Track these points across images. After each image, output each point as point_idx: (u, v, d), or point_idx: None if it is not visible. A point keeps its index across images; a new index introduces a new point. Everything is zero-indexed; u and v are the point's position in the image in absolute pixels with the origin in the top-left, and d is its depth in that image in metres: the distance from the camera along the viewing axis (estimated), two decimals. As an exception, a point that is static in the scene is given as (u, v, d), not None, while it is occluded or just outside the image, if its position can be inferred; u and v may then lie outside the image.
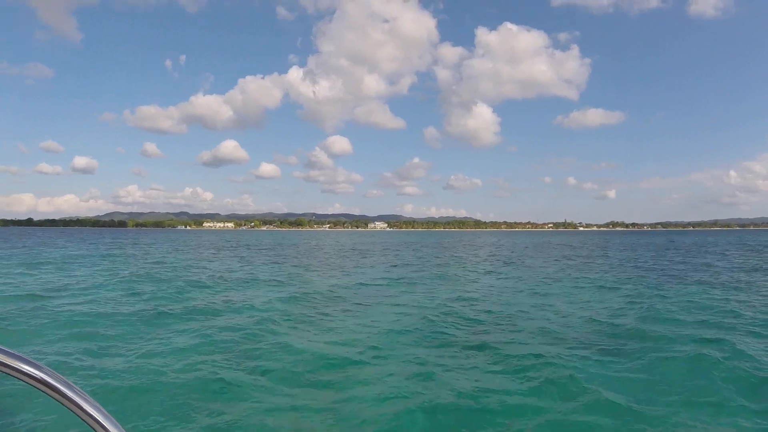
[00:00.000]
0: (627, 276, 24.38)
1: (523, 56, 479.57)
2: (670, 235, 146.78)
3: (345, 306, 15.01)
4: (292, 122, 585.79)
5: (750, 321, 12.21)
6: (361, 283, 20.77)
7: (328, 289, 18.14)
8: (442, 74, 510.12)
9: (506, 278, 23.70)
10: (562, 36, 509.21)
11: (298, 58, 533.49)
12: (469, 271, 28.04)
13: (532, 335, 11.02)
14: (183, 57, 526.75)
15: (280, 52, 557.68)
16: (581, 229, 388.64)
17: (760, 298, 16.13)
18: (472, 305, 15.06)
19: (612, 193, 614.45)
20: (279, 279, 22.38)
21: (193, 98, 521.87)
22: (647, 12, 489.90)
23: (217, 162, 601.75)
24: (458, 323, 12.33)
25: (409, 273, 26.07)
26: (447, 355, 9.35)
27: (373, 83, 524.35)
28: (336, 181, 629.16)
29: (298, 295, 16.74)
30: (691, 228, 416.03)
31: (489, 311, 14.07)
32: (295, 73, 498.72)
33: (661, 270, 27.60)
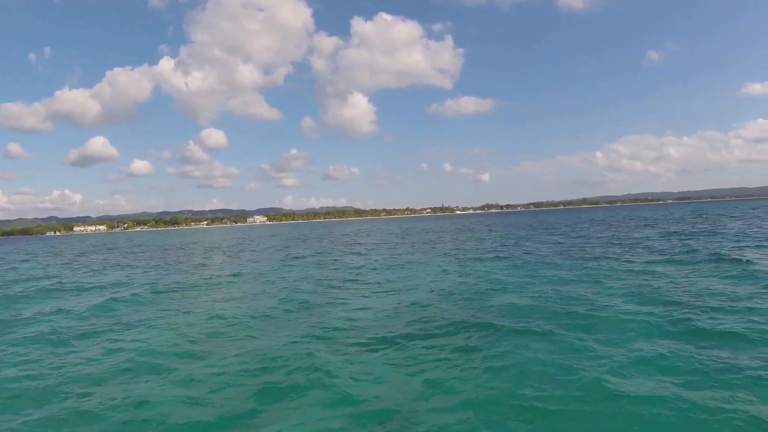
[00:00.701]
0: (456, 258, 26.69)
1: (398, 46, 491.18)
2: (540, 215, 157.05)
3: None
4: (165, 116, 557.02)
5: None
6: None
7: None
8: (318, 64, 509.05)
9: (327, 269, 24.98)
10: (437, 26, 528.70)
11: (170, 48, 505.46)
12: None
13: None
14: (48, 50, 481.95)
15: (150, 43, 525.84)
16: (458, 212, 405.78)
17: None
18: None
19: (486, 177, 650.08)
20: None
21: (58, 93, 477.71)
22: (519, 4, 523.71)
23: (86, 161, 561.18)
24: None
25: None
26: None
27: (247, 74, 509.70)
28: (212, 175, 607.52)
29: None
30: (562, 207, 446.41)
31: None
32: (166, 64, 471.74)
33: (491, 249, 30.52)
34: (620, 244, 29.67)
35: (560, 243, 33.02)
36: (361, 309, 13.91)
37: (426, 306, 13.68)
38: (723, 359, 8.02)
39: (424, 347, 9.68)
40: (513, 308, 12.78)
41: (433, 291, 16.04)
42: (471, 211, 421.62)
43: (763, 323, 9.92)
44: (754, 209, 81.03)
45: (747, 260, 17.89)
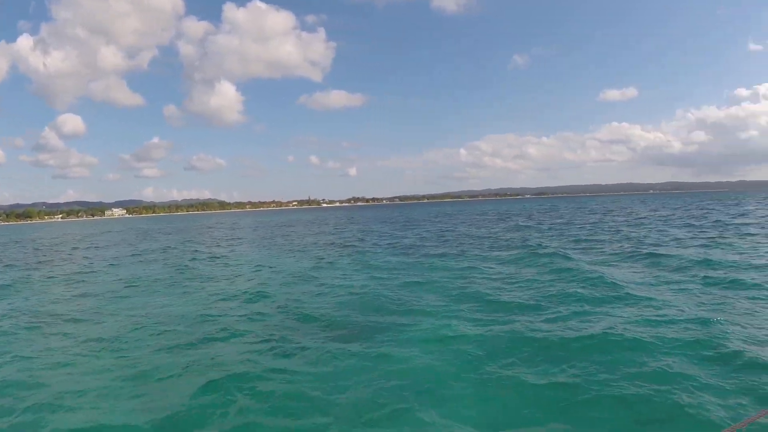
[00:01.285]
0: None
1: (270, 35, 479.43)
2: (404, 208, 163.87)
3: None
4: (21, 99, 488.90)
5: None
6: None
7: None
8: (186, 49, 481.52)
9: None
10: (310, 18, 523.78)
11: (30, 24, 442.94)
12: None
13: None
14: None
15: (9, 18, 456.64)
16: (325, 205, 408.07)
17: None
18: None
19: (354, 171, 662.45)
20: None
21: None
22: (394, 2, 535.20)
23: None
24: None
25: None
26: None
27: (110, 56, 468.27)
28: (69, 165, 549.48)
29: None
30: (426, 200, 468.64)
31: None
32: (25, 42, 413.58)
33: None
34: (469, 237, 30.79)
35: (406, 237, 34.00)
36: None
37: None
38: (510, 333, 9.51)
39: (234, 352, 9.39)
40: (319, 308, 12.70)
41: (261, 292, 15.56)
42: (338, 204, 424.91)
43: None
44: (609, 203, 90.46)
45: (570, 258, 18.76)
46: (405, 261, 21.03)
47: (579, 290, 12.84)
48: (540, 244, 23.64)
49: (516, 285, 14.39)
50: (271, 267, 21.17)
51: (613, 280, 13.73)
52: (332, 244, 31.89)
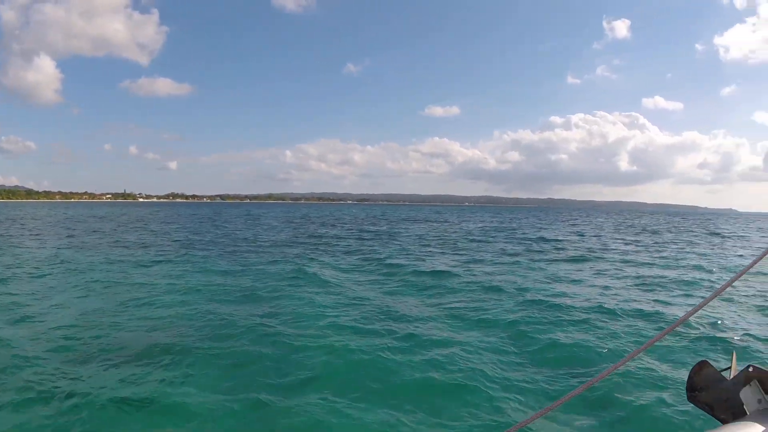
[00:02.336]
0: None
1: (100, 11, 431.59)
2: (226, 207, 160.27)
3: None
4: None
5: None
6: None
7: None
8: (8, 15, 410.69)
9: None
10: None
11: None
12: None
13: None
14: None
15: None
16: (141, 200, 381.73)
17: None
18: None
19: (174, 165, 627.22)
20: None
21: None
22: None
23: None
24: None
25: None
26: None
27: None
28: None
29: None
30: (248, 201, 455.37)
31: None
32: None
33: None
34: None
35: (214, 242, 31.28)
36: None
37: None
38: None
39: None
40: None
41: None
42: (155, 200, 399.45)
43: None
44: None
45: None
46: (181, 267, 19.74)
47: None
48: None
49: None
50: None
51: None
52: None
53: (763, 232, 51.98)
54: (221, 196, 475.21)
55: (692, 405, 2.91)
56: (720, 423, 2.56)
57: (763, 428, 2.28)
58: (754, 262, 2.76)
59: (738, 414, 2.51)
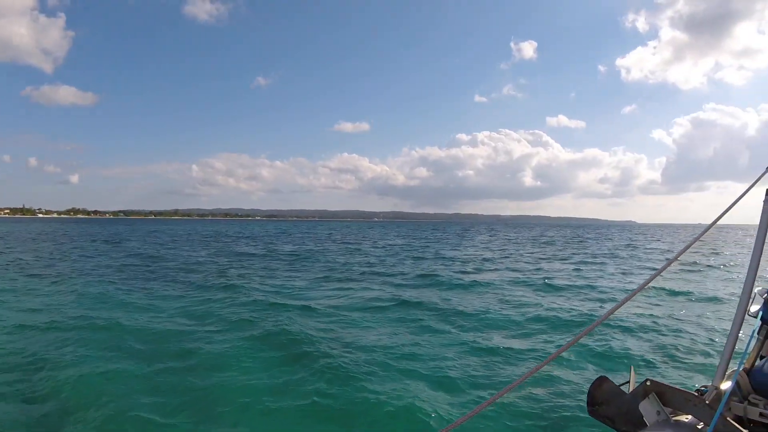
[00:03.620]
0: None
1: (4, 12, 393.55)
2: (128, 224, 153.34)
3: None
4: None
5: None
6: None
7: None
8: None
9: None
10: (52, 0, 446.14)
11: None
12: None
13: None
14: None
15: None
16: (41, 216, 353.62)
17: None
18: None
19: (75, 178, 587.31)
20: None
21: None
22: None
23: None
24: None
25: None
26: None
27: None
28: None
29: None
30: (153, 216, 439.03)
31: None
32: None
33: None
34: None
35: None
36: None
37: None
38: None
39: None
40: None
41: None
42: (55, 215, 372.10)
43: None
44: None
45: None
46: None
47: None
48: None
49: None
50: None
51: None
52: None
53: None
54: (124, 212, 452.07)
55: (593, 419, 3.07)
56: None
57: None
58: (653, 277, 2.99)
59: (639, 426, 2.69)
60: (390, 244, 49.23)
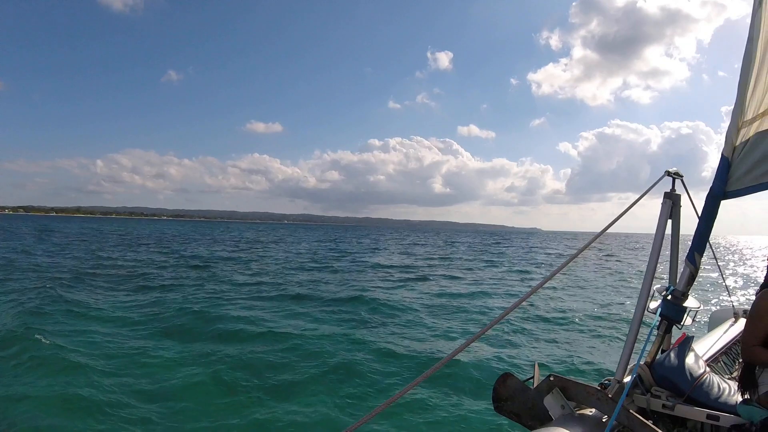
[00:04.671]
0: None
1: None
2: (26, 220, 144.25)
3: None
4: None
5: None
6: None
7: None
8: None
9: None
10: None
11: None
12: None
13: None
14: None
15: None
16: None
17: None
18: None
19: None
20: None
21: None
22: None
23: None
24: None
25: None
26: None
27: None
28: None
29: None
30: (54, 213, 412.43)
31: None
32: None
33: None
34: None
35: None
36: None
37: None
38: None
39: None
40: None
41: None
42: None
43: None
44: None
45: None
46: None
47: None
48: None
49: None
50: None
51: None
52: None
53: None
54: (24, 208, 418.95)
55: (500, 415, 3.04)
56: (528, 430, 2.71)
57: None
58: (547, 279, 3.02)
59: (544, 420, 2.71)
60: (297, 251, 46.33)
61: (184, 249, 41.46)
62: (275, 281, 20.98)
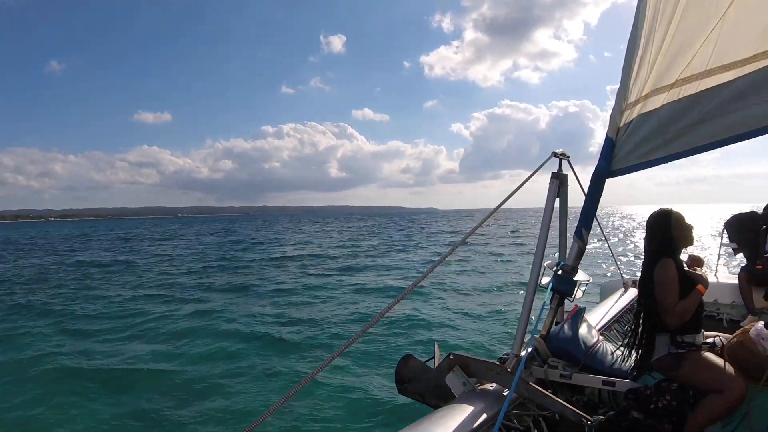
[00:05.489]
0: None
1: None
2: None
3: None
4: None
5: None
6: None
7: None
8: None
9: None
10: None
11: None
12: None
13: None
14: None
15: None
16: None
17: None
18: None
19: None
20: None
21: None
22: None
23: None
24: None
25: None
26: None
27: None
28: None
29: None
30: None
31: None
32: None
33: None
34: None
35: None
36: None
37: None
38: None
39: None
40: None
41: None
42: None
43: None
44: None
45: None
46: None
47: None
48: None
49: None
50: None
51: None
52: None
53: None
54: None
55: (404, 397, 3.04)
56: (433, 409, 2.75)
57: (471, 407, 2.50)
58: (442, 259, 3.07)
59: (447, 398, 2.75)
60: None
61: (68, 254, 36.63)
62: (160, 293, 17.22)
